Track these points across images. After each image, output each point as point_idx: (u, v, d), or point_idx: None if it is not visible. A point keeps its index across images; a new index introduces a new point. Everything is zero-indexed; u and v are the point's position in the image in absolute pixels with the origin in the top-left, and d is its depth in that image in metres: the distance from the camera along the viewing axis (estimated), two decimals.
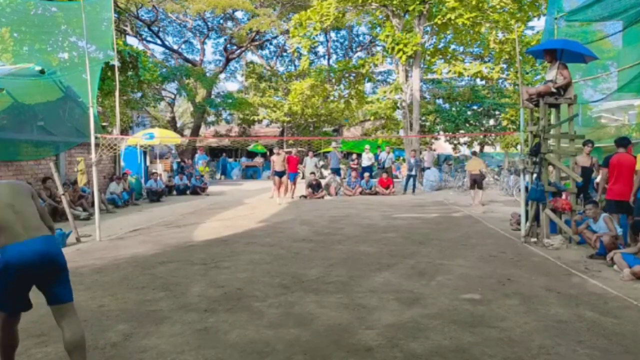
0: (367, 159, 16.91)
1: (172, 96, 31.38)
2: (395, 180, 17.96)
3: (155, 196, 13.80)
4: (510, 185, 14.85)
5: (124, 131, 18.71)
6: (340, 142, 26.75)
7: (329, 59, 32.33)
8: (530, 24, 18.86)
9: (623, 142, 6.77)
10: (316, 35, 19.25)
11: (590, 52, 7.22)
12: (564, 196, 7.26)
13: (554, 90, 6.96)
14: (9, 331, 2.80)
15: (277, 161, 13.05)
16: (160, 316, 4.00)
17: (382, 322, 3.84)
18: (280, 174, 13.04)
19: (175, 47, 31.07)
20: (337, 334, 3.61)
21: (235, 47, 30.33)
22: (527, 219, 7.24)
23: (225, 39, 30.60)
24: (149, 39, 29.21)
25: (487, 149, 29.15)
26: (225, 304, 4.30)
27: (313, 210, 11.30)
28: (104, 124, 15.36)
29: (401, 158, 24.32)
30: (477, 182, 12.58)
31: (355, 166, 16.77)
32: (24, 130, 9.94)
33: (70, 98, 10.59)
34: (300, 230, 8.38)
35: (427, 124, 25.58)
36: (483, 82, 22.30)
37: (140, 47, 25.23)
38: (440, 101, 27.25)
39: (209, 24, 29.67)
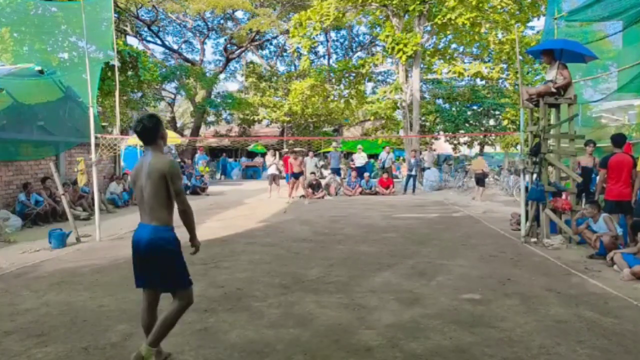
0: (360, 158, 16.91)
1: (172, 96, 31.38)
2: (395, 180, 17.96)
3: None
4: (510, 185, 14.86)
5: (124, 131, 18.70)
6: (340, 142, 26.74)
7: (329, 59, 32.33)
8: (530, 24, 18.82)
9: (620, 140, 6.74)
10: (316, 35, 19.22)
11: (590, 52, 7.21)
12: (564, 196, 7.26)
13: (554, 90, 6.96)
14: (145, 309, 3.07)
15: (295, 164, 13.83)
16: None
17: (382, 322, 3.84)
18: (297, 175, 13.90)
19: (175, 47, 31.10)
20: (337, 334, 3.61)
21: (235, 47, 30.32)
22: (527, 219, 7.24)
23: (225, 39, 30.58)
24: (149, 38, 29.23)
25: (487, 149, 29.15)
26: (225, 304, 4.30)
27: (313, 210, 11.30)
28: (104, 124, 15.37)
29: (401, 158, 24.32)
30: (480, 180, 13.44)
31: (355, 166, 16.77)
32: (24, 130, 9.95)
33: (70, 98, 10.60)
34: (300, 230, 8.38)
35: (427, 124, 25.58)
36: (483, 82, 22.30)
37: (140, 47, 25.26)
38: (440, 101, 27.24)
39: (209, 24, 29.66)
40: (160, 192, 2.91)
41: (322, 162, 23.12)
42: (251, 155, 29.90)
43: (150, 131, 2.97)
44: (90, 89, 8.07)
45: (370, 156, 21.72)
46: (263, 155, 28.55)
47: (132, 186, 3.06)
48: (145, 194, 2.93)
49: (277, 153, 16.19)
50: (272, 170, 14.64)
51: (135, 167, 3.03)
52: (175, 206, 3.01)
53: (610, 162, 6.57)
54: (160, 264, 2.95)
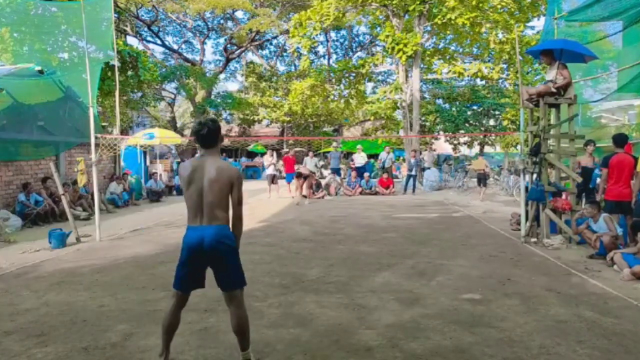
0: (360, 158, 16.93)
1: (172, 96, 31.39)
2: (395, 180, 17.96)
3: (155, 196, 13.80)
4: (510, 185, 14.86)
5: (124, 131, 18.71)
6: (340, 142, 26.74)
7: (329, 59, 32.35)
8: (530, 24, 18.81)
9: (621, 140, 6.72)
10: (316, 35, 19.23)
11: (590, 51, 7.20)
12: (564, 196, 7.26)
13: (554, 90, 6.96)
14: (174, 311, 3.06)
15: (301, 168, 14.18)
16: (160, 316, 3.97)
17: (382, 322, 3.84)
18: (306, 176, 14.18)
19: (175, 47, 31.12)
20: (337, 334, 3.61)
21: (235, 47, 30.33)
22: (527, 219, 7.23)
23: (225, 39, 30.60)
24: (149, 39, 29.26)
25: (487, 149, 29.14)
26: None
27: (313, 210, 11.30)
28: (104, 124, 15.36)
29: (401, 158, 24.32)
30: (481, 180, 13.79)
31: (355, 166, 16.78)
32: (24, 130, 9.94)
33: (70, 98, 10.59)
34: (300, 230, 8.38)
35: (427, 124, 25.57)
36: (483, 82, 22.30)
37: (140, 47, 25.26)
38: (440, 101, 27.24)
39: (209, 24, 29.67)
40: (225, 197, 2.95)
41: (322, 162, 23.11)
42: (251, 155, 29.91)
43: (214, 134, 2.98)
44: (90, 89, 8.07)
45: (370, 156, 21.70)
46: (263, 155, 28.62)
47: (185, 185, 2.96)
48: (208, 196, 2.91)
49: (275, 153, 16.25)
50: (270, 170, 14.66)
51: (191, 167, 2.95)
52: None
53: (611, 162, 6.56)
54: (225, 264, 3.01)
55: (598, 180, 7.65)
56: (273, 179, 14.38)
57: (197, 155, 3.06)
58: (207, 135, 2.96)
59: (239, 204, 3.00)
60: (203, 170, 2.92)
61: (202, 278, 3.10)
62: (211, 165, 2.93)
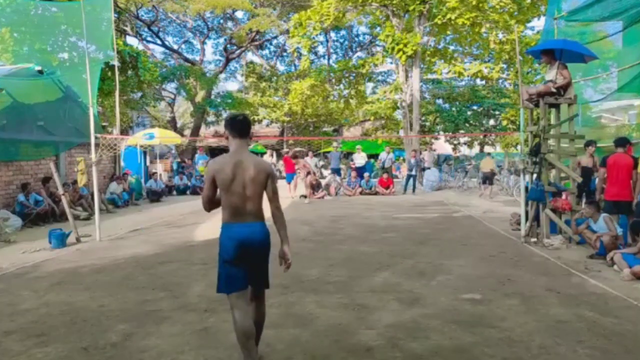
0: (360, 158, 16.92)
1: (172, 96, 31.36)
2: (395, 180, 17.96)
3: (155, 196, 13.80)
4: (510, 185, 14.87)
5: (124, 131, 18.70)
6: (340, 142, 26.74)
7: (329, 59, 32.32)
8: (530, 24, 18.83)
9: (622, 142, 6.75)
10: (316, 35, 19.25)
11: (590, 52, 7.21)
12: (564, 196, 7.26)
13: (553, 90, 6.96)
14: (248, 309, 3.02)
15: (303, 169, 14.33)
16: (160, 316, 4.01)
17: (382, 322, 3.84)
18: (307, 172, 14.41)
19: (175, 47, 31.07)
20: (337, 334, 3.61)
21: (235, 47, 30.32)
22: (527, 219, 7.23)
23: (225, 39, 30.58)
24: (149, 39, 29.20)
25: (487, 149, 29.14)
26: (225, 304, 4.26)
27: (313, 210, 11.30)
28: (104, 124, 15.36)
29: (401, 158, 24.32)
30: (488, 179, 14.23)
31: (355, 166, 16.79)
32: (24, 130, 9.94)
33: (70, 98, 10.59)
34: (300, 230, 8.37)
35: (427, 124, 25.57)
36: (483, 82, 22.30)
37: (140, 47, 25.23)
38: (440, 101, 27.24)
39: (209, 24, 29.65)
40: (262, 192, 2.97)
41: (322, 162, 23.12)
42: None
43: (249, 125, 3.01)
44: (90, 89, 8.07)
45: (370, 156, 21.71)
46: (262, 155, 28.61)
47: (227, 182, 2.85)
48: (252, 193, 2.90)
49: (275, 153, 16.25)
50: None
51: (232, 164, 2.86)
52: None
53: (608, 162, 6.59)
54: (265, 262, 3.09)
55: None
56: None
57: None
58: (243, 121, 2.96)
59: (275, 194, 3.02)
60: (243, 167, 2.87)
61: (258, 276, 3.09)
62: (249, 161, 2.89)
